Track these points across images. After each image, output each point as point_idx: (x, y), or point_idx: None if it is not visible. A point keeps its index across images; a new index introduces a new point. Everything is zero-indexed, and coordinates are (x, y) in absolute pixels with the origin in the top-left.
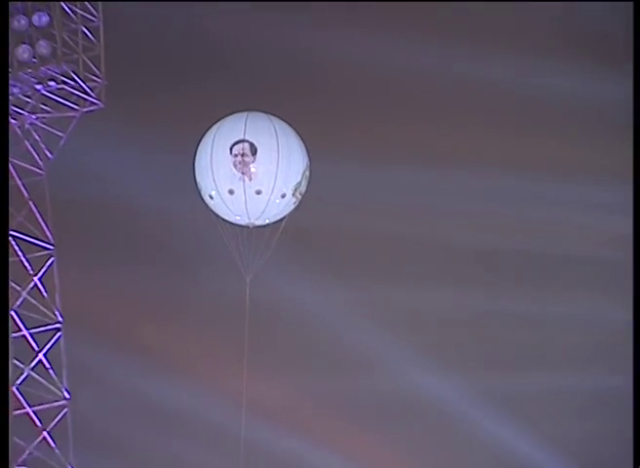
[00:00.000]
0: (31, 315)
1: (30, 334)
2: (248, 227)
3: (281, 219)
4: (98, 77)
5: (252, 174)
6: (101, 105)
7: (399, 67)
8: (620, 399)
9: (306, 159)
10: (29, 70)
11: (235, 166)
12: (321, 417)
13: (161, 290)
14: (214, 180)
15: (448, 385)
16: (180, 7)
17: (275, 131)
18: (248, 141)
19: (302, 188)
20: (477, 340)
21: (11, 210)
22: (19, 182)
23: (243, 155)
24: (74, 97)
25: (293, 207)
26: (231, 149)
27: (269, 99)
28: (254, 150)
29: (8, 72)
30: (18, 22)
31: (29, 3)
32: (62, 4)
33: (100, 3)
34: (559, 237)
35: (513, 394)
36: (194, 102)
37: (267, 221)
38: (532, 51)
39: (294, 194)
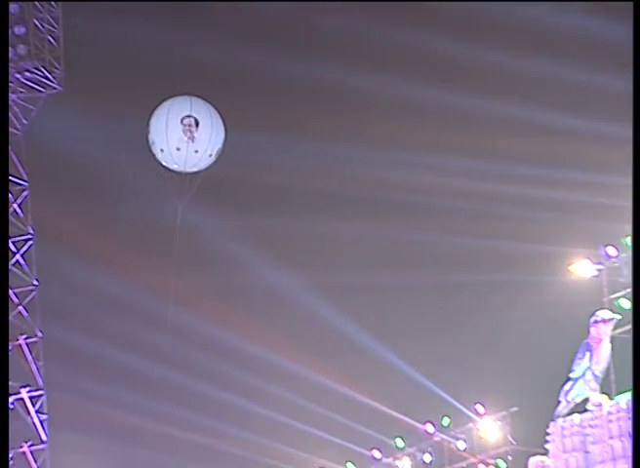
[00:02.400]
0: (13, 229)
1: (12, 242)
2: (181, 173)
3: (204, 170)
4: (58, 69)
5: (194, 138)
6: (61, 89)
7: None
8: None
9: (225, 132)
10: (12, 64)
11: (184, 132)
12: (216, 302)
13: (110, 214)
14: (166, 140)
15: (292, 279)
16: (122, 18)
17: (210, 112)
18: (193, 117)
19: (220, 151)
20: (316, 245)
21: None
22: None
23: (190, 126)
24: (42, 83)
25: (212, 162)
26: (182, 120)
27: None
28: (197, 123)
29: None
30: None
31: (12, 17)
32: (35, 21)
33: (60, 19)
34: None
35: (340, 286)
36: (130, 88)
37: (195, 170)
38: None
39: (215, 154)
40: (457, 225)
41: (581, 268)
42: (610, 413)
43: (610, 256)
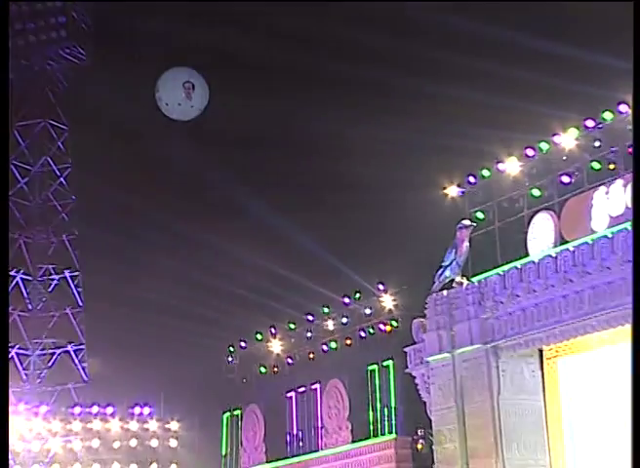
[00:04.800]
0: (57, 160)
1: (58, 169)
2: (177, 121)
3: (195, 117)
4: (87, 47)
5: (191, 97)
6: (91, 61)
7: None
8: None
9: (209, 94)
10: (57, 44)
11: (184, 93)
12: (199, 210)
13: (126, 149)
14: (171, 97)
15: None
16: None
17: (202, 80)
18: (191, 82)
19: (205, 107)
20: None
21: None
22: (50, 94)
23: (189, 88)
24: (78, 57)
25: (199, 114)
26: (183, 84)
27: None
28: (193, 87)
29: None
30: (51, 20)
31: (56, 9)
32: (73, 12)
33: (91, 11)
34: None
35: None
36: (142, 61)
37: (188, 119)
38: None
39: (202, 109)
40: (370, 160)
41: (452, 191)
42: (467, 289)
43: (470, 183)
